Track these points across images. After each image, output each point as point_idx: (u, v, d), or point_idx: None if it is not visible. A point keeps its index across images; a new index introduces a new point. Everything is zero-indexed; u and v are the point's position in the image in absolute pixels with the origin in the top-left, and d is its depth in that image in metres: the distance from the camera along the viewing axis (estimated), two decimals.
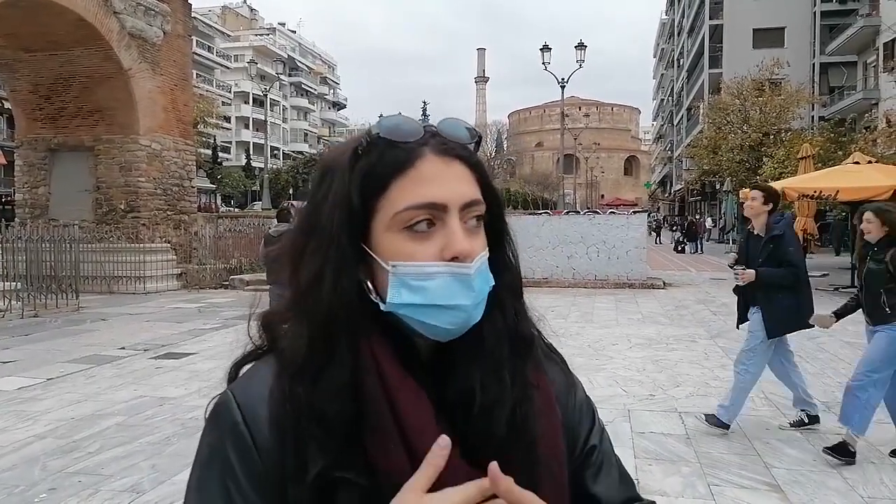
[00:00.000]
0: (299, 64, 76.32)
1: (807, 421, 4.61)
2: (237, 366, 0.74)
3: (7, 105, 20.63)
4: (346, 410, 0.63)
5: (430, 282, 0.65)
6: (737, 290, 4.74)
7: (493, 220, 0.72)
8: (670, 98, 66.37)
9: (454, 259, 0.65)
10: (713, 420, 4.50)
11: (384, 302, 0.66)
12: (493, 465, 0.59)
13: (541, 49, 26.67)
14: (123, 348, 7.68)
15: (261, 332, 0.72)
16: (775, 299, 4.42)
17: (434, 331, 0.66)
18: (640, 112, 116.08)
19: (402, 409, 0.63)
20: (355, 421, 0.63)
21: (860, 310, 4.31)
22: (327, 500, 0.63)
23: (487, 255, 0.69)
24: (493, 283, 0.69)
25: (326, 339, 0.66)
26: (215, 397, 0.71)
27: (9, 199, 29.27)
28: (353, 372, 0.65)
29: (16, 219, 14.75)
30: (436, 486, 0.60)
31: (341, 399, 0.64)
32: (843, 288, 13.00)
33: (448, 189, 0.66)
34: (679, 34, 58.45)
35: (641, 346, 7.64)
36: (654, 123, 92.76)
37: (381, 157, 0.67)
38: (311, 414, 0.64)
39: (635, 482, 3.27)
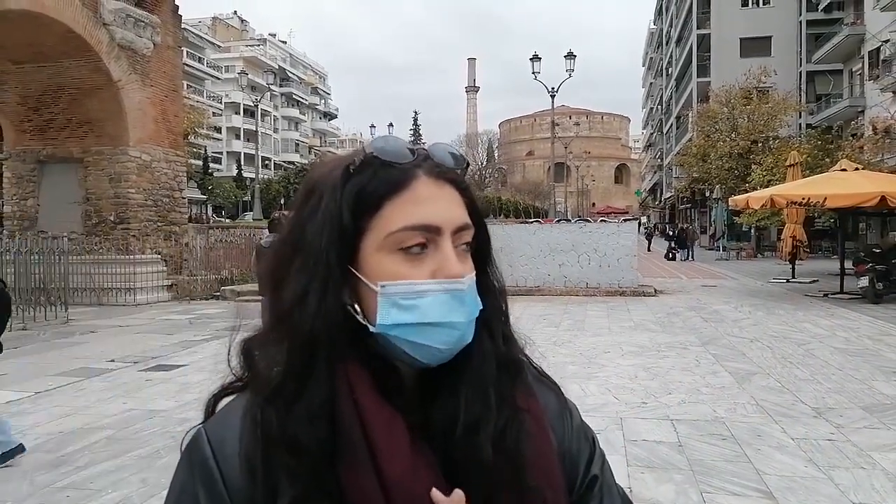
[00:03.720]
0: (290, 74, 76.41)
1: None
2: (215, 398, 0.72)
3: None
4: (321, 437, 0.62)
5: (421, 300, 0.64)
6: None
7: (480, 243, 0.72)
8: (659, 107, 66.83)
9: None
10: None
11: (372, 325, 0.65)
12: (457, 493, 0.61)
13: (531, 59, 26.89)
14: (113, 361, 7.60)
15: (240, 361, 0.70)
16: None
17: (425, 352, 0.65)
18: (629, 120, 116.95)
19: (376, 436, 0.62)
20: (329, 449, 0.62)
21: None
22: None
23: (474, 277, 0.69)
24: (481, 305, 0.68)
25: (306, 362, 0.64)
26: (189, 431, 0.70)
27: None
28: (330, 397, 0.63)
29: (4, 231, 14.63)
30: None
31: (315, 425, 0.62)
32: (832, 294, 13.09)
33: (443, 212, 0.66)
34: (667, 43, 58.94)
35: (633, 353, 7.65)
36: (644, 132, 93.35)
37: (375, 176, 0.66)
38: (283, 440, 0.62)
39: (627, 490, 3.23)
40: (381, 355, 0.66)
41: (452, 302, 0.64)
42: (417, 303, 0.64)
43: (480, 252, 0.73)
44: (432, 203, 0.66)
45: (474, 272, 0.69)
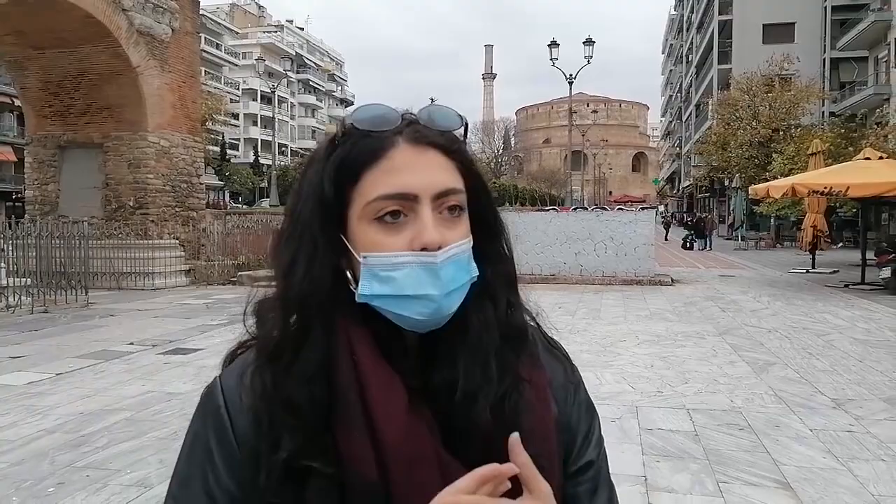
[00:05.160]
0: (307, 61, 76.46)
1: None
2: (232, 354, 0.76)
3: (17, 102, 20.75)
4: (316, 397, 0.64)
5: (397, 272, 0.64)
6: None
7: (480, 209, 0.71)
8: (679, 94, 66.03)
9: (424, 250, 0.64)
10: None
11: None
12: (514, 437, 0.61)
13: (549, 45, 26.62)
14: (132, 344, 7.70)
15: (254, 319, 0.72)
16: None
17: (407, 322, 0.65)
18: (648, 108, 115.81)
19: (372, 396, 0.63)
20: (324, 408, 0.64)
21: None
22: (298, 488, 0.63)
23: (469, 243, 0.68)
24: (474, 272, 0.68)
25: (298, 326, 0.66)
26: (208, 383, 0.74)
27: (19, 195, 29.49)
28: (326, 359, 0.65)
29: (26, 215, 14.84)
30: (411, 474, 0.62)
31: (310, 385, 0.64)
32: (853, 285, 12.90)
33: (419, 178, 0.65)
34: (688, 30, 58.11)
35: (649, 342, 7.60)
36: (663, 120, 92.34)
37: (355, 146, 0.66)
38: (279, 400, 0.65)
39: (643, 479, 3.22)
40: (382, 318, 0.67)
41: (426, 275, 0.64)
42: (394, 275, 0.64)
43: (483, 218, 0.71)
44: (408, 170, 0.65)
45: (467, 238, 0.68)
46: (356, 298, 0.66)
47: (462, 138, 0.71)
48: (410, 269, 0.64)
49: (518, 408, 0.67)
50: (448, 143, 0.68)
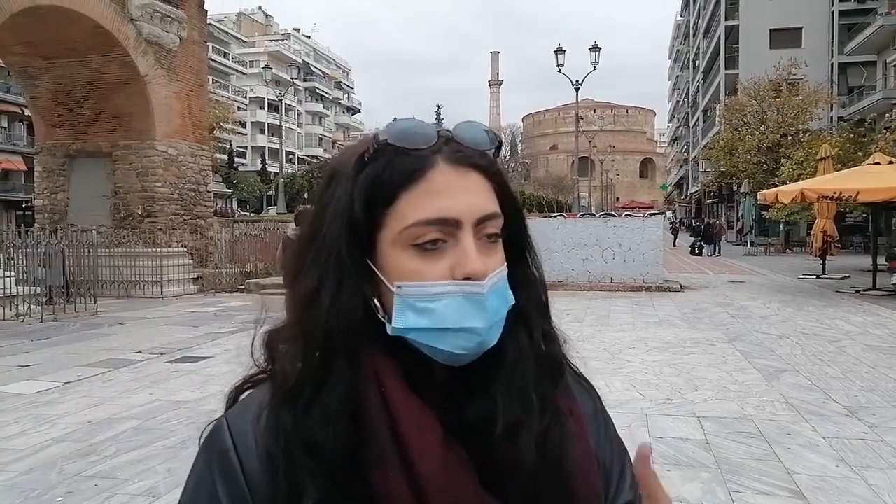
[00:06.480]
0: (314, 69, 76.85)
1: None
2: (237, 390, 0.70)
3: (27, 112, 20.94)
4: (341, 437, 0.58)
5: (437, 303, 0.59)
6: None
7: (514, 232, 0.67)
8: (686, 99, 65.91)
9: (466, 279, 0.59)
10: None
11: (391, 323, 0.62)
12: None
13: (555, 51, 26.67)
14: (140, 352, 7.71)
15: (263, 353, 0.67)
16: None
17: (444, 356, 0.61)
18: (655, 114, 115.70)
19: (405, 431, 0.58)
20: (351, 448, 0.58)
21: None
22: None
23: (505, 270, 0.63)
24: (511, 301, 0.63)
25: (322, 360, 0.60)
26: (210, 423, 0.67)
27: (29, 204, 29.72)
28: (352, 395, 0.59)
29: (35, 224, 14.94)
30: None
31: (335, 425, 0.58)
32: (864, 290, 12.79)
33: (461, 202, 0.60)
34: (694, 35, 58.06)
35: (658, 349, 7.55)
36: (670, 125, 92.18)
37: (389, 165, 0.61)
38: (301, 443, 0.59)
39: None
40: (411, 349, 0.62)
41: (470, 306, 0.59)
42: (433, 306, 0.59)
43: (516, 242, 0.67)
44: (450, 193, 0.60)
45: (504, 266, 0.64)
46: (389, 331, 0.61)
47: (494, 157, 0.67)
48: (451, 300, 0.59)
49: (563, 442, 0.63)
50: (488, 165, 0.64)
